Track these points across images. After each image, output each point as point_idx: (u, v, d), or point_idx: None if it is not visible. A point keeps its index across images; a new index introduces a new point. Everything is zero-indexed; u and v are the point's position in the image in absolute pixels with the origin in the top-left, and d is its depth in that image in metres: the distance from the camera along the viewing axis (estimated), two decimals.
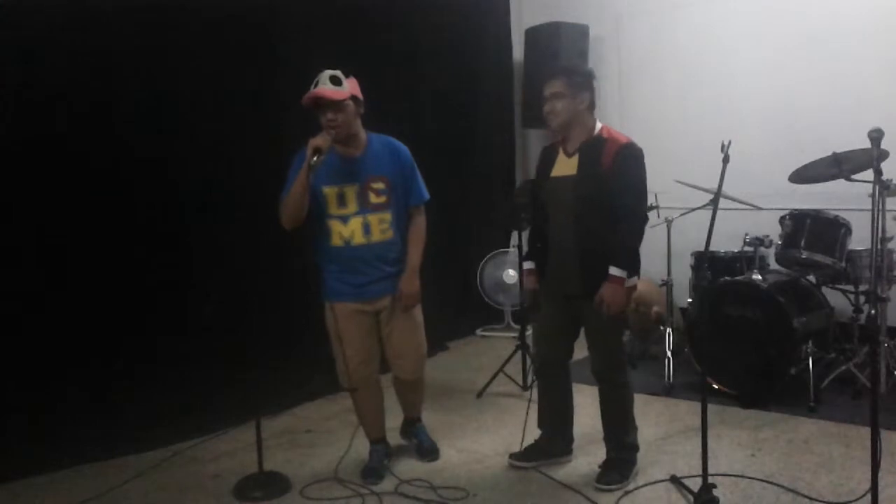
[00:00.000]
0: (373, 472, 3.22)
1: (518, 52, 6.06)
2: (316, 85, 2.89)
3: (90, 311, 3.48)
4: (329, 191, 3.00)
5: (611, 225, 2.89)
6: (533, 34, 5.76)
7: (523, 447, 3.31)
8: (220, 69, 3.83)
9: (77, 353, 3.42)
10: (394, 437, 3.49)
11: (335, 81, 2.90)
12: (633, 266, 2.92)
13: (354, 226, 3.02)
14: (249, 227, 3.77)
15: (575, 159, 2.98)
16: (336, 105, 2.88)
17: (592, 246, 2.92)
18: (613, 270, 2.86)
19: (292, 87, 4.17)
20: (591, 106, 3.02)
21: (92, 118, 3.46)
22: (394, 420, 3.49)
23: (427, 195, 3.18)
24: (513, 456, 3.31)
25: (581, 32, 5.65)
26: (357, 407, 3.28)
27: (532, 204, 3.25)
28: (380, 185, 3.03)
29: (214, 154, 3.82)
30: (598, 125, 3.02)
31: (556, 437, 3.30)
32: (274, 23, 4.14)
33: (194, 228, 3.77)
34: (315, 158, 2.82)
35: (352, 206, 3.01)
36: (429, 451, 3.43)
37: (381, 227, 3.05)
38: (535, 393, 3.32)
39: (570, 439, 3.33)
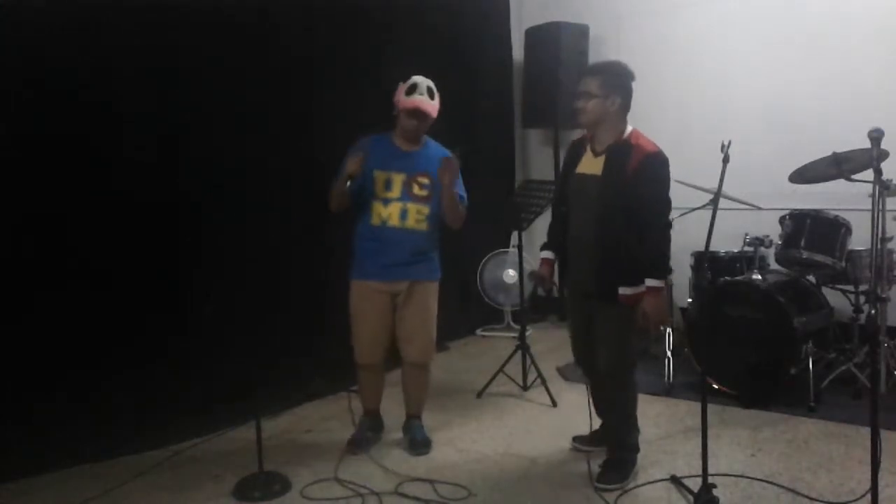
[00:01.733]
0: (355, 441, 3.48)
1: (518, 52, 6.06)
2: (413, 91, 3.22)
3: (90, 311, 3.47)
4: (379, 174, 3.29)
5: (631, 231, 2.88)
6: (533, 34, 5.76)
7: (590, 432, 3.37)
8: (221, 69, 3.83)
9: (77, 352, 3.41)
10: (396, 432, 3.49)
11: (431, 94, 3.26)
12: (666, 273, 2.98)
13: (393, 209, 3.29)
14: (250, 226, 3.76)
15: (601, 160, 2.97)
16: (427, 117, 3.25)
17: (611, 249, 2.91)
18: (651, 282, 2.88)
19: (294, 89, 4.21)
20: (624, 108, 2.98)
21: (91, 118, 3.46)
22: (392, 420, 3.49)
23: (464, 195, 3.43)
24: (576, 439, 3.40)
25: (581, 32, 5.66)
26: (359, 380, 3.57)
27: (556, 195, 3.28)
28: (425, 181, 3.32)
29: (215, 154, 3.82)
30: (629, 129, 2.99)
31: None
32: (274, 23, 4.14)
33: (194, 228, 3.76)
34: (349, 183, 3.14)
35: (396, 192, 3.29)
36: (420, 445, 3.47)
37: (417, 216, 3.32)
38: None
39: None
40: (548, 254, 3.26)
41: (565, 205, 3.12)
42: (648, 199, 2.88)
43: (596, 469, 3.13)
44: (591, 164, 3.01)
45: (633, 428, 3.17)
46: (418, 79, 3.26)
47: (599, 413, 3.33)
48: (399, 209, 3.29)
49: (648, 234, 2.88)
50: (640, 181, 2.87)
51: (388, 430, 3.73)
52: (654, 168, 2.89)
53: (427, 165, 3.32)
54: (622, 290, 2.91)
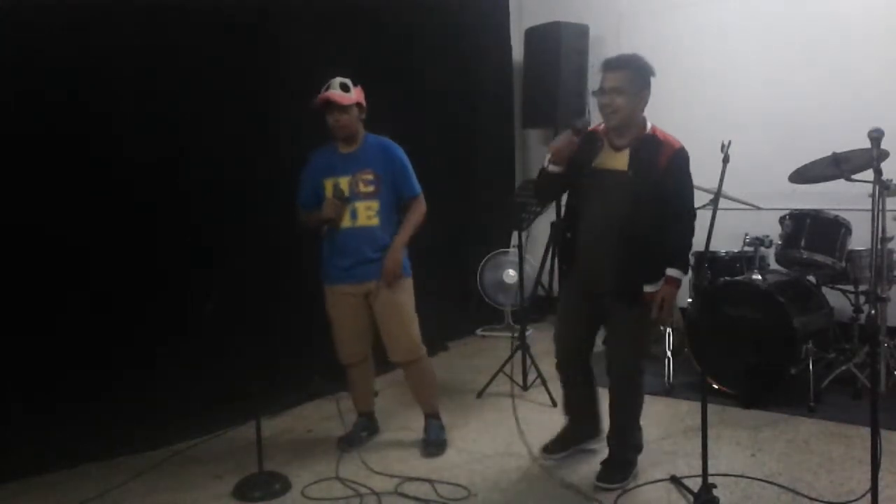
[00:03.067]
0: (347, 439, 3.54)
1: (518, 52, 6.06)
2: (327, 89, 3.27)
3: (90, 311, 3.47)
4: (327, 182, 3.35)
5: (657, 227, 2.84)
6: (533, 34, 5.76)
7: (552, 440, 3.32)
8: (221, 69, 3.83)
9: (77, 352, 3.42)
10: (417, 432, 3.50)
11: (344, 88, 3.29)
12: (688, 265, 2.95)
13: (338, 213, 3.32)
14: (250, 226, 3.76)
15: (625, 155, 2.88)
16: (342, 108, 3.27)
17: (636, 245, 2.84)
18: (672, 272, 2.84)
19: (293, 88, 4.20)
20: (646, 103, 2.92)
21: (91, 118, 3.46)
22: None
23: (418, 189, 3.44)
24: (545, 449, 3.31)
25: (581, 32, 5.65)
26: (349, 382, 3.63)
27: (565, 189, 3.11)
28: (368, 177, 3.34)
29: (216, 154, 3.82)
30: (649, 123, 2.94)
31: (584, 425, 3.31)
32: (275, 24, 4.14)
33: (195, 228, 3.76)
34: (325, 228, 3.36)
35: (336, 195, 3.31)
36: (430, 445, 3.47)
37: (367, 213, 3.34)
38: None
39: (599, 423, 3.31)
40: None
41: (576, 200, 3.02)
42: (680, 193, 2.87)
43: (596, 469, 3.13)
44: (612, 160, 2.90)
45: (638, 428, 3.17)
46: (333, 79, 3.30)
47: (570, 412, 3.32)
48: (348, 210, 3.32)
49: (676, 226, 2.85)
50: (672, 176, 2.84)
51: (386, 431, 3.73)
52: (684, 163, 2.88)
53: (367, 161, 3.35)
54: (647, 289, 2.85)
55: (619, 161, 2.89)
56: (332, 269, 3.40)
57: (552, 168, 2.92)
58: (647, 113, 2.97)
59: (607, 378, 3.13)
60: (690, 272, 4.70)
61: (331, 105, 3.26)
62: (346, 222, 3.32)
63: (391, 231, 3.39)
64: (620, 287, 2.89)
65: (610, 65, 2.86)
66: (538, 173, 3.04)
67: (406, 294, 3.43)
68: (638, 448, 3.16)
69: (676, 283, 2.87)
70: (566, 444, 3.32)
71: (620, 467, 3.09)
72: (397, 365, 3.53)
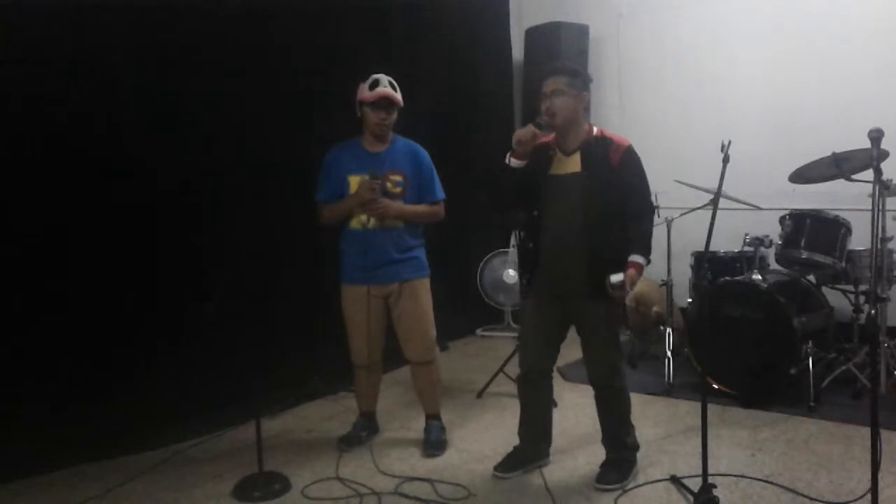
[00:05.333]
0: (347, 439, 3.56)
1: (518, 52, 6.06)
2: (377, 85, 3.28)
3: (90, 311, 3.47)
4: (353, 179, 3.32)
5: (616, 220, 2.93)
6: (533, 34, 5.77)
7: (503, 457, 3.27)
8: (221, 69, 3.83)
9: (77, 352, 3.42)
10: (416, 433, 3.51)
11: (393, 87, 3.32)
12: (649, 253, 2.99)
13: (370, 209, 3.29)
14: (250, 226, 3.77)
15: (576, 158, 2.98)
16: (393, 107, 3.31)
17: (600, 243, 2.92)
18: (635, 258, 2.90)
19: (294, 88, 4.21)
20: (588, 107, 3.06)
21: (92, 118, 3.46)
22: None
23: (443, 194, 3.46)
24: (497, 468, 3.22)
25: (581, 32, 5.66)
26: (356, 381, 3.62)
27: (521, 204, 3.16)
28: (397, 178, 3.35)
29: (216, 154, 3.82)
30: (594, 127, 3.05)
31: (537, 443, 3.30)
32: (275, 23, 4.14)
33: (195, 228, 3.76)
34: (348, 227, 3.36)
35: (363, 190, 3.26)
36: (431, 446, 3.47)
37: None
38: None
39: (550, 442, 3.34)
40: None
41: (536, 209, 3.07)
42: (637, 187, 2.96)
43: (595, 469, 3.13)
44: (565, 164, 3.01)
45: (630, 427, 3.17)
46: (379, 75, 3.32)
47: (524, 431, 3.29)
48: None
49: (639, 219, 2.94)
50: (626, 172, 2.94)
51: (387, 431, 3.73)
52: (635, 159, 2.98)
53: (397, 163, 3.37)
54: (613, 278, 2.86)
55: (572, 164, 2.99)
56: (355, 270, 3.38)
57: (514, 163, 2.99)
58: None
59: (591, 387, 3.15)
60: (690, 272, 4.73)
61: (386, 103, 3.27)
62: (374, 222, 3.29)
63: (415, 234, 3.43)
64: (591, 283, 2.92)
65: (548, 71, 3.02)
66: (498, 174, 3.09)
67: (426, 295, 3.46)
68: (635, 447, 3.16)
69: (640, 267, 2.91)
70: (519, 462, 3.25)
71: (619, 468, 3.10)
72: (413, 364, 3.52)
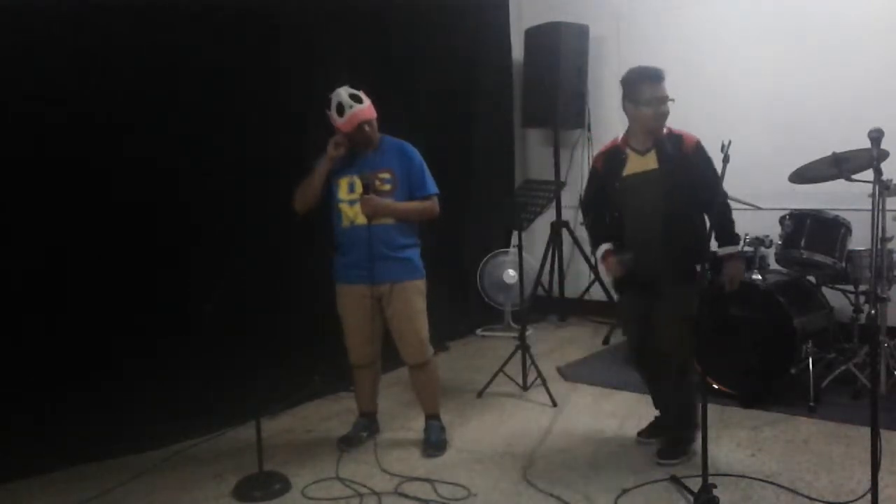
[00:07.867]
0: (347, 439, 3.56)
1: (518, 52, 6.06)
2: (343, 109, 3.25)
3: (90, 311, 3.47)
4: (342, 180, 3.37)
5: (695, 208, 3.14)
6: (533, 34, 5.76)
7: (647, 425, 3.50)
8: (221, 71, 3.83)
9: (77, 352, 3.42)
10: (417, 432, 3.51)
11: (356, 99, 3.28)
12: (737, 239, 3.24)
13: (359, 208, 3.31)
14: (250, 226, 3.76)
15: (651, 155, 3.14)
16: (371, 121, 3.33)
17: (679, 231, 3.11)
18: (728, 250, 3.17)
19: (294, 89, 4.21)
20: None
21: (92, 120, 3.46)
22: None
23: (434, 189, 3.45)
24: (640, 433, 3.48)
25: (581, 32, 5.66)
26: (354, 381, 3.65)
27: (599, 209, 3.36)
28: (385, 176, 3.36)
29: (216, 155, 3.82)
30: None
31: (667, 412, 3.44)
32: (275, 24, 4.14)
33: (195, 228, 3.76)
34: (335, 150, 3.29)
35: (360, 192, 3.31)
36: (430, 446, 3.47)
37: None
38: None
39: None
40: (607, 245, 3.29)
41: (618, 210, 3.23)
42: (710, 177, 3.07)
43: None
44: (641, 163, 3.16)
45: (696, 409, 3.23)
46: (339, 94, 3.27)
47: (658, 404, 3.47)
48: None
49: (716, 207, 3.02)
50: (699, 163, 3.13)
51: (387, 431, 3.73)
52: (705, 151, 3.16)
53: (384, 161, 3.39)
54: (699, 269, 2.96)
55: (649, 162, 3.16)
56: (347, 269, 3.40)
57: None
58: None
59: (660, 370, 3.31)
60: None
61: (364, 123, 3.28)
62: (363, 219, 3.29)
63: (408, 233, 3.42)
64: (674, 271, 3.10)
65: (653, 76, 3.14)
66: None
67: (419, 297, 3.44)
68: (697, 425, 3.19)
69: (736, 258, 3.19)
70: (658, 431, 3.44)
71: (680, 443, 3.24)
72: (408, 366, 3.52)
